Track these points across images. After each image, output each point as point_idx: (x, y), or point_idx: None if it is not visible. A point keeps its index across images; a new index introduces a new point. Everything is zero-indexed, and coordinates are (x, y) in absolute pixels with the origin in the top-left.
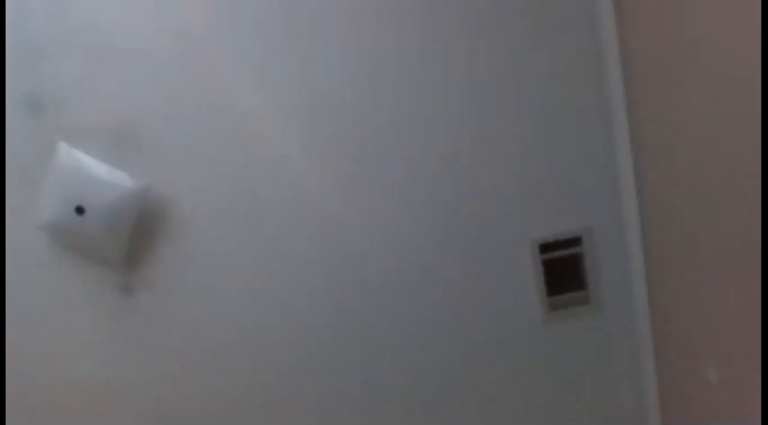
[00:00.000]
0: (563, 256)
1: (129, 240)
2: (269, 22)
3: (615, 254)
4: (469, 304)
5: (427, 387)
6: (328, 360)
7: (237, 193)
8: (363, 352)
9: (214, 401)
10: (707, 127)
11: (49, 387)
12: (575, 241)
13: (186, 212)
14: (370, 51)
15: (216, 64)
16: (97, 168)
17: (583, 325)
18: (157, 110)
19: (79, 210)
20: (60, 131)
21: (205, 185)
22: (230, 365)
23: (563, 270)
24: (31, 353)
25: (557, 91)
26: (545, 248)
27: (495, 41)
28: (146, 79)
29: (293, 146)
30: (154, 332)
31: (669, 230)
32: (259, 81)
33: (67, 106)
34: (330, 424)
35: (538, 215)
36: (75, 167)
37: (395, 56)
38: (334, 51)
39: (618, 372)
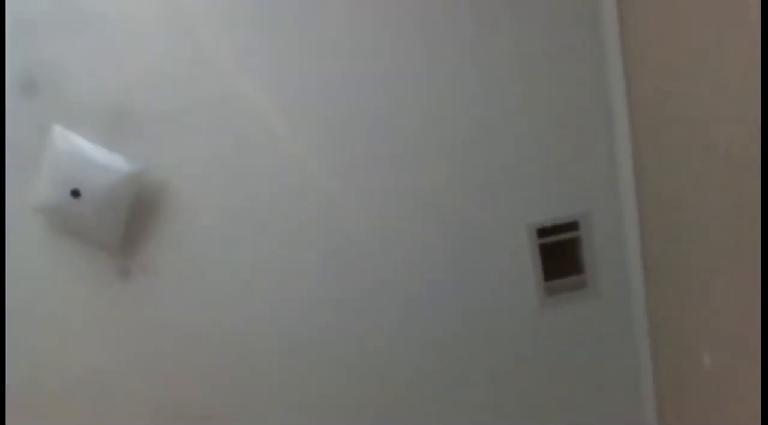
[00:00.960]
0: (560, 240)
1: (125, 223)
2: (272, 8)
3: (612, 239)
4: (466, 288)
5: (424, 372)
6: (325, 346)
7: (234, 177)
8: (359, 335)
9: (211, 385)
10: (706, 115)
11: (45, 370)
12: (572, 225)
13: (182, 195)
14: (371, 39)
15: (214, 48)
16: (93, 151)
17: (580, 309)
18: (153, 93)
19: (75, 193)
20: (55, 114)
21: (202, 169)
22: (226, 349)
23: (560, 255)
24: (28, 336)
25: (557, 78)
26: (543, 232)
27: (496, 32)
28: (143, 62)
29: (291, 131)
30: (150, 315)
31: (666, 215)
32: (258, 66)
33: (62, 88)
34: (326, 411)
35: (535, 200)
36: (70, 150)
37: (394, 45)
38: (337, 39)
39: (614, 356)
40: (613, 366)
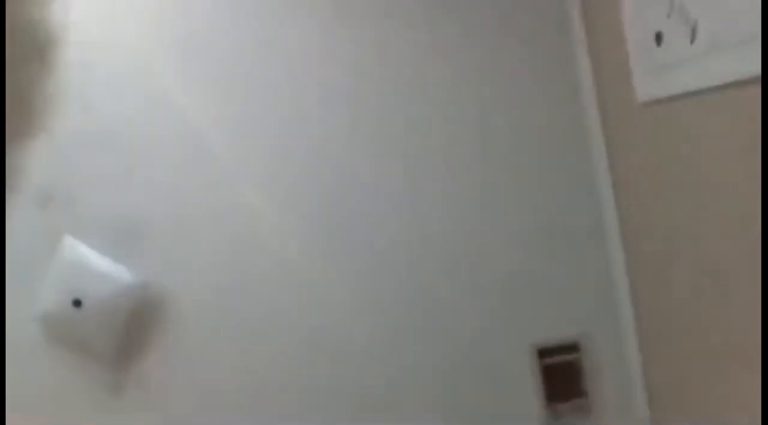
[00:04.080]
0: (562, 362)
1: (124, 335)
2: (278, 129)
3: (614, 362)
4: (465, 412)
5: None
6: None
7: (235, 292)
8: None
9: None
10: (698, 231)
11: None
12: (573, 347)
13: (183, 309)
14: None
15: (224, 168)
16: (99, 261)
17: None
18: (164, 208)
19: (77, 303)
20: (66, 223)
21: (203, 281)
22: None
23: (562, 377)
24: None
25: (547, 194)
26: (543, 353)
27: (484, 137)
28: (156, 178)
29: (294, 248)
30: None
31: (666, 338)
32: (264, 186)
33: (75, 198)
34: None
35: (536, 321)
36: (77, 260)
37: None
38: (339, 150)
39: None
40: None
